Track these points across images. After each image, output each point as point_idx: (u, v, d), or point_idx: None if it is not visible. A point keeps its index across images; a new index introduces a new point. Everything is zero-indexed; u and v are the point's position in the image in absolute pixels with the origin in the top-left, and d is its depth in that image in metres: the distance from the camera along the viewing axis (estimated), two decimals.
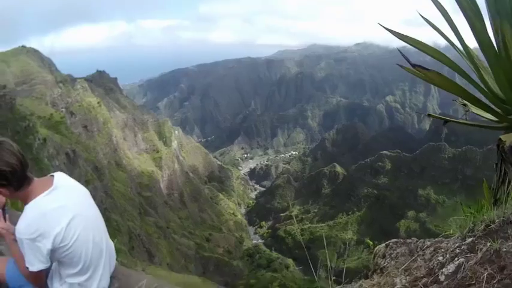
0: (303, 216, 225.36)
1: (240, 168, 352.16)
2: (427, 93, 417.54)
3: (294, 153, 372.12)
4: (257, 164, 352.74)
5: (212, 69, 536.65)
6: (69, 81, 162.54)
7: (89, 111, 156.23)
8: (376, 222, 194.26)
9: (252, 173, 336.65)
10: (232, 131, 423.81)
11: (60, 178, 3.94)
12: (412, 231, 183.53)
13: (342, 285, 4.55)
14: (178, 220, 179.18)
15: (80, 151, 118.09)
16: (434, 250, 3.40)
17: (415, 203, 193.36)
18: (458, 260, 2.72)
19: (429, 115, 2.77)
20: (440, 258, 3.00)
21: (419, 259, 3.41)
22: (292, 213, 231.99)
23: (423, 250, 3.56)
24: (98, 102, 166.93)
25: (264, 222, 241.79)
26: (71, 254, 3.64)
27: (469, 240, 3.01)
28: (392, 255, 4.35)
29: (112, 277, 4.15)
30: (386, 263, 4.32)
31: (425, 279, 2.85)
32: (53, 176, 3.91)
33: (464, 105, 3.02)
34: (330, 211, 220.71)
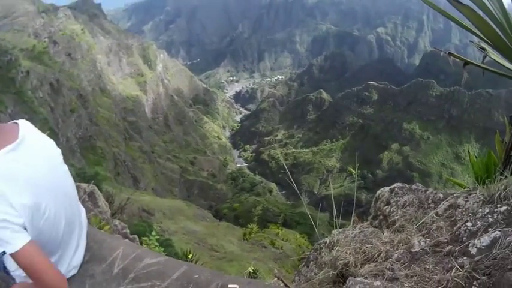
0: (287, 141, 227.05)
1: (226, 91, 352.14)
2: (419, 29, 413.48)
3: (280, 77, 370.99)
4: (243, 87, 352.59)
5: None
6: (51, 10, 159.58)
7: (72, 39, 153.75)
8: (360, 151, 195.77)
9: (238, 96, 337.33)
10: (218, 54, 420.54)
11: (27, 129, 2.72)
12: (395, 163, 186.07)
13: (341, 229, 4.13)
14: (163, 144, 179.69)
15: (64, 80, 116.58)
16: (450, 206, 3.12)
17: (399, 136, 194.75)
18: (494, 232, 2.39)
19: (450, 54, 2.60)
20: (469, 224, 2.67)
21: (435, 216, 3.12)
22: (277, 138, 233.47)
23: (435, 203, 3.40)
24: (82, 29, 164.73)
25: (248, 146, 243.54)
26: (37, 237, 2.51)
27: (503, 208, 2.66)
28: (398, 203, 3.96)
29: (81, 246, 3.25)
30: (392, 211, 3.94)
31: (450, 247, 2.56)
32: (16, 124, 2.74)
33: (483, 49, 2.87)
34: (314, 137, 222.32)
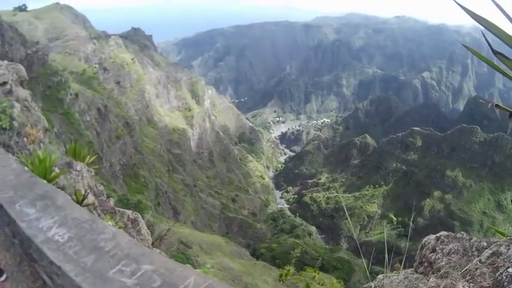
0: (330, 185, 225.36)
1: (271, 131, 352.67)
2: (464, 73, 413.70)
3: (326, 120, 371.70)
4: (288, 129, 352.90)
5: (249, 30, 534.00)
6: (103, 37, 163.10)
7: (122, 67, 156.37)
8: (402, 198, 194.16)
9: (283, 137, 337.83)
10: (265, 94, 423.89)
11: None
12: (436, 211, 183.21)
13: (386, 274, 4.13)
14: (205, 179, 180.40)
15: (112, 106, 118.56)
16: (493, 254, 3.23)
17: (441, 183, 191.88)
18: None
19: (497, 106, 2.60)
20: (511, 270, 2.78)
21: (478, 263, 3.23)
22: (320, 181, 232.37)
23: (479, 251, 3.46)
24: (132, 59, 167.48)
25: (290, 187, 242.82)
26: None
27: None
28: (444, 251, 3.97)
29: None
30: (437, 259, 3.93)
31: None
32: None
33: None
34: (357, 182, 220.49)
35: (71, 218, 4.38)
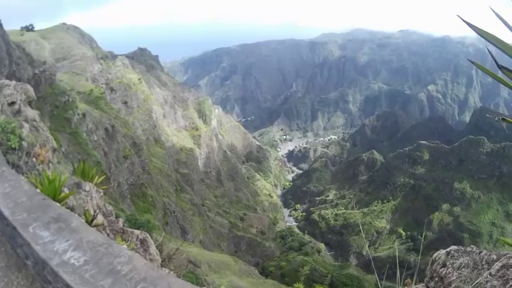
0: (338, 202, 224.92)
1: (279, 149, 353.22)
2: (469, 85, 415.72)
3: (333, 137, 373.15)
4: (296, 146, 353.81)
5: (255, 49, 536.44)
6: (110, 57, 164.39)
7: (129, 88, 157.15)
8: (410, 213, 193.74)
9: (290, 155, 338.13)
10: (272, 112, 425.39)
11: None
12: (445, 224, 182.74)
13: None
14: (213, 198, 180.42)
15: (119, 126, 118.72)
16: (503, 266, 3.24)
17: (450, 196, 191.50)
18: None
19: (503, 119, 2.57)
20: None
21: (488, 276, 3.23)
22: (328, 198, 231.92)
23: (489, 264, 3.46)
24: (139, 79, 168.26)
25: (298, 205, 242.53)
26: None
27: None
28: (454, 265, 4.00)
29: None
30: (448, 273, 3.95)
31: None
32: None
33: None
34: (365, 198, 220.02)
35: (86, 241, 4.41)
